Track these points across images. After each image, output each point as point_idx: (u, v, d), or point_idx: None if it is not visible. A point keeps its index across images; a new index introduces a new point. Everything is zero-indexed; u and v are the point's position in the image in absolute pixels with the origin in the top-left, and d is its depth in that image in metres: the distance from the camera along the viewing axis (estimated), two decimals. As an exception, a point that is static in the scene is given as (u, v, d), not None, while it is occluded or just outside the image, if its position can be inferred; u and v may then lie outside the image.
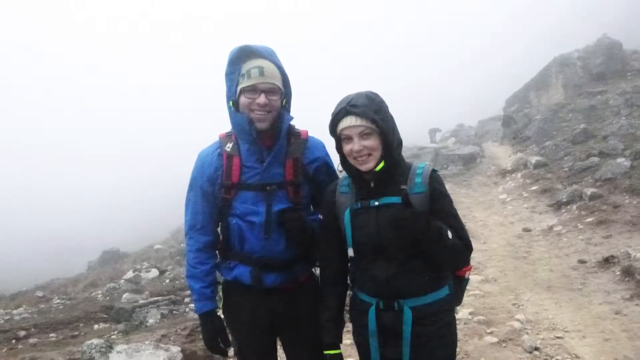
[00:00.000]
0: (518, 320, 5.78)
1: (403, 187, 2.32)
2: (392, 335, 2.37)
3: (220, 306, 2.78)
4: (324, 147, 2.77)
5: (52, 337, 8.54)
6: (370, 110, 2.27)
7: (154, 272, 14.56)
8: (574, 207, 10.85)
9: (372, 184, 2.39)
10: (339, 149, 2.40)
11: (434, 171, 2.40)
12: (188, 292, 9.67)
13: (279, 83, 2.57)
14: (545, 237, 9.73)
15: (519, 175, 15.69)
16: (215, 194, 2.64)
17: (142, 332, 7.50)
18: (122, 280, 14.08)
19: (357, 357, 2.64)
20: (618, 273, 6.94)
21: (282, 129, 2.59)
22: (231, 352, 2.86)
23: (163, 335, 6.17)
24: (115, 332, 8.22)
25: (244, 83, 2.52)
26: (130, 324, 8.48)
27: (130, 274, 14.54)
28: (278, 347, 2.88)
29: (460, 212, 2.47)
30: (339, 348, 2.52)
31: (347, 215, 2.40)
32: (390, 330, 2.37)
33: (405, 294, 2.34)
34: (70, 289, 15.96)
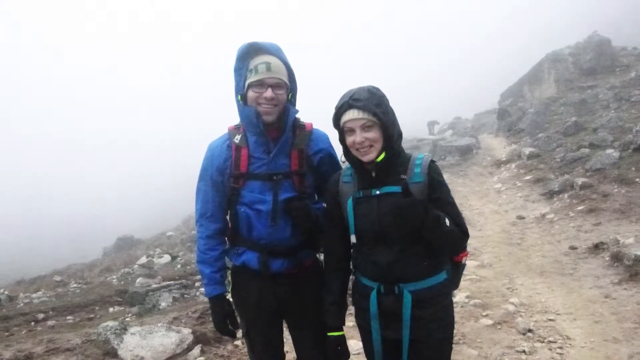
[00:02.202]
0: (512, 303, 5.79)
1: (403, 177, 2.32)
2: (392, 317, 2.37)
3: (229, 290, 2.78)
4: (327, 139, 2.75)
5: (69, 319, 8.59)
6: (371, 104, 2.25)
7: (166, 258, 14.61)
8: (566, 196, 10.83)
9: (373, 174, 2.39)
10: (342, 140, 2.39)
11: (432, 162, 2.39)
12: (198, 276, 9.70)
13: (285, 78, 2.56)
14: (538, 225, 9.72)
15: (513, 165, 15.66)
16: (225, 183, 2.63)
17: (154, 314, 7.53)
18: (135, 266, 14.15)
19: (360, 339, 2.64)
20: (607, 259, 6.93)
21: (288, 122, 2.58)
22: (239, 333, 2.86)
23: (175, 318, 6.20)
24: (129, 314, 8.26)
25: (251, 78, 2.51)
26: (143, 307, 8.53)
27: (143, 260, 14.61)
28: (284, 329, 2.88)
29: (457, 201, 2.46)
30: (342, 330, 2.53)
31: (349, 204, 2.40)
32: (391, 313, 2.37)
33: (405, 278, 2.34)
34: (86, 273, 16.02)
